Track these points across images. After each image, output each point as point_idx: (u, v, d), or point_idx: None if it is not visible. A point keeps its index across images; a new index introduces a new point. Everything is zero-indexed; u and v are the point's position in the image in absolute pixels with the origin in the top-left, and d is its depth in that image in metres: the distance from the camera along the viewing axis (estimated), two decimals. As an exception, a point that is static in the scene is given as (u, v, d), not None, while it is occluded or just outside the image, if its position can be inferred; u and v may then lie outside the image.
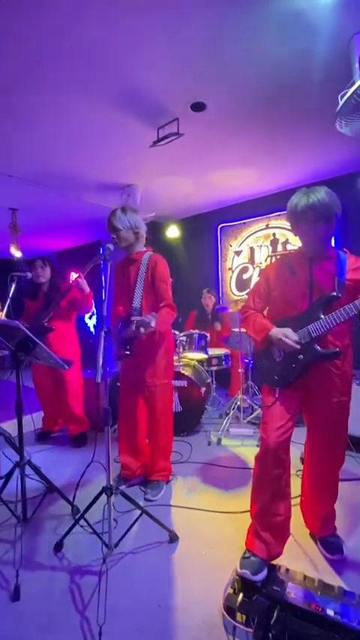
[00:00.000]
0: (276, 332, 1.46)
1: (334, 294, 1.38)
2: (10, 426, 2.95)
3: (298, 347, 1.41)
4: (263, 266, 4.19)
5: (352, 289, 1.39)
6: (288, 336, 1.42)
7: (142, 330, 1.81)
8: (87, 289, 2.64)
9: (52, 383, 2.84)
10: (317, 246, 1.46)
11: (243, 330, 3.33)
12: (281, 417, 1.44)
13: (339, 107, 1.70)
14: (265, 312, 1.65)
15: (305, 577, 1.28)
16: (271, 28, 1.69)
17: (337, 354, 1.38)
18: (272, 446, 1.40)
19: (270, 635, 1.11)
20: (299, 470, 1.96)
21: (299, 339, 1.42)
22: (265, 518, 1.42)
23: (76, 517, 1.64)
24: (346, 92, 1.65)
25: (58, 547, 1.61)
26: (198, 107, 2.27)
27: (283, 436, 1.42)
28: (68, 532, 1.61)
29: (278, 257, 1.76)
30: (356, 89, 1.60)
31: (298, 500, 1.69)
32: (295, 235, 1.53)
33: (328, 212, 1.37)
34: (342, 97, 1.68)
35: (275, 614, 1.15)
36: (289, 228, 4.16)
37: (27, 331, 1.62)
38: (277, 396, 1.49)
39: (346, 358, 1.47)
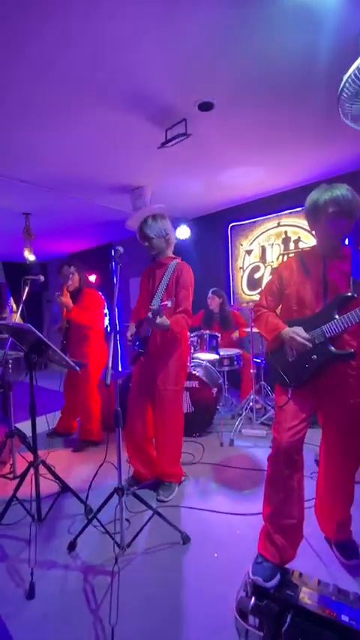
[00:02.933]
0: (287, 331, 1.45)
1: (350, 294, 1.35)
2: (26, 427, 3.01)
3: (309, 345, 1.39)
4: (275, 265, 4.14)
5: None
6: (298, 333, 1.41)
7: (158, 319, 1.79)
8: (67, 309, 2.67)
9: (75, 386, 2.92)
10: (334, 242, 1.44)
11: (255, 330, 3.31)
12: (294, 417, 1.42)
13: (339, 88, 1.64)
14: (278, 311, 1.64)
15: (319, 582, 1.25)
16: (278, 25, 1.66)
17: (352, 355, 1.35)
18: (284, 446, 1.38)
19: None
20: (313, 472, 1.92)
21: (313, 338, 1.40)
22: (277, 521, 1.40)
23: (89, 517, 1.66)
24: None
25: (72, 546, 1.64)
26: (205, 107, 2.26)
27: (296, 436, 1.40)
28: (81, 532, 1.64)
29: (291, 255, 1.74)
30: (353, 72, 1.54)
31: (312, 503, 1.66)
32: (312, 231, 1.51)
33: (351, 208, 1.36)
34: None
35: (288, 619, 1.14)
36: (301, 225, 4.13)
37: (39, 334, 1.65)
38: (289, 396, 1.47)
39: None
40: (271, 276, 1.67)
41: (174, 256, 2.19)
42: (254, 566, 1.33)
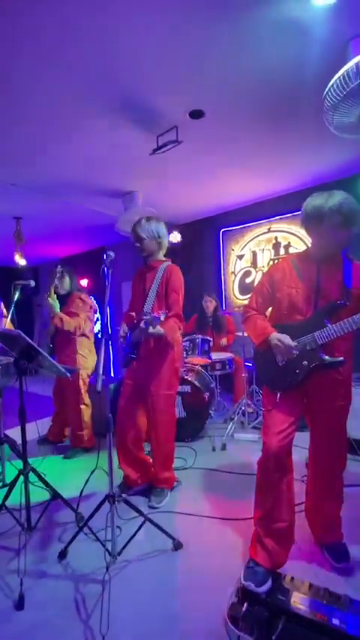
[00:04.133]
0: (273, 337, 1.46)
1: (342, 302, 1.37)
2: (16, 433, 2.96)
3: (295, 351, 1.40)
4: (266, 269, 4.18)
5: (357, 296, 1.39)
6: (282, 340, 1.42)
7: (150, 329, 1.77)
8: (51, 313, 2.65)
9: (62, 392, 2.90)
10: (331, 250, 1.44)
11: (246, 334, 3.33)
12: (283, 421, 1.44)
13: (323, 98, 1.69)
14: (267, 313, 1.65)
15: (311, 586, 1.26)
16: (268, 34, 1.70)
17: (342, 363, 1.38)
18: (274, 450, 1.40)
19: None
20: (304, 476, 1.93)
21: (304, 344, 1.41)
22: (268, 524, 1.41)
23: (80, 525, 1.64)
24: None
25: (63, 555, 1.61)
26: (196, 115, 2.29)
27: (285, 440, 1.41)
28: (72, 540, 1.61)
29: (283, 258, 1.75)
30: (341, 75, 1.60)
31: (303, 506, 1.67)
32: (309, 236, 1.51)
33: (355, 218, 1.36)
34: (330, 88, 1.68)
35: (280, 624, 1.14)
36: (291, 231, 4.18)
37: (29, 340, 1.63)
38: (277, 400, 1.48)
39: (348, 363, 1.46)
40: (261, 278, 1.67)
41: (164, 259, 2.19)
42: (246, 571, 1.33)
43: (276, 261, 4.07)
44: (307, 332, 1.41)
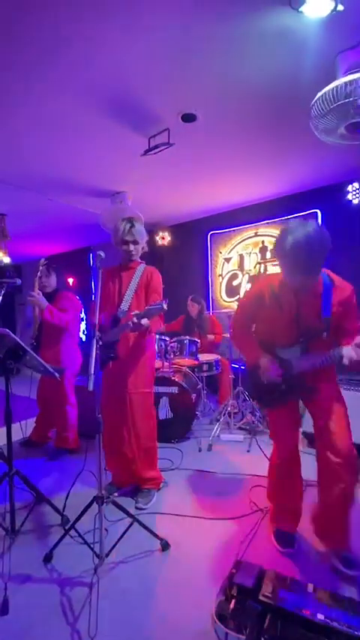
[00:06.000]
0: (263, 362, 1.57)
1: (321, 332, 1.43)
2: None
3: (279, 380, 1.53)
4: (252, 272, 4.25)
5: (338, 316, 1.44)
6: (271, 369, 1.54)
7: (143, 321, 1.75)
8: (41, 307, 2.55)
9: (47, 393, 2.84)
10: (296, 286, 1.43)
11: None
12: (287, 428, 1.60)
13: (310, 106, 1.75)
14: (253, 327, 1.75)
15: (297, 582, 1.29)
16: (261, 43, 1.74)
17: (315, 390, 1.51)
18: (285, 455, 1.59)
19: (262, 639, 1.11)
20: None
21: (283, 372, 1.52)
22: (283, 507, 1.65)
23: (67, 527, 1.62)
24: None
25: (48, 558, 1.59)
26: (188, 118, 2.31)
27: (292, 442, 1.60)
28: (58, 543, 1.59)
29: (262, 279, 1.77)
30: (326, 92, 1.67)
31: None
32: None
33: (308, 262, 1.29)
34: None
35: (267, 620, 1.16)
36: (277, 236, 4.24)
37: (17, 338, 1.61)
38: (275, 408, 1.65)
39: (331, 367, 1.54)
40: (243, 299, 1.74)
41: (140, 260, 2.20)
42: (276, 535, 1.64)
43: (262, 264, 4.14)
44: (288, 359, 1.52)
